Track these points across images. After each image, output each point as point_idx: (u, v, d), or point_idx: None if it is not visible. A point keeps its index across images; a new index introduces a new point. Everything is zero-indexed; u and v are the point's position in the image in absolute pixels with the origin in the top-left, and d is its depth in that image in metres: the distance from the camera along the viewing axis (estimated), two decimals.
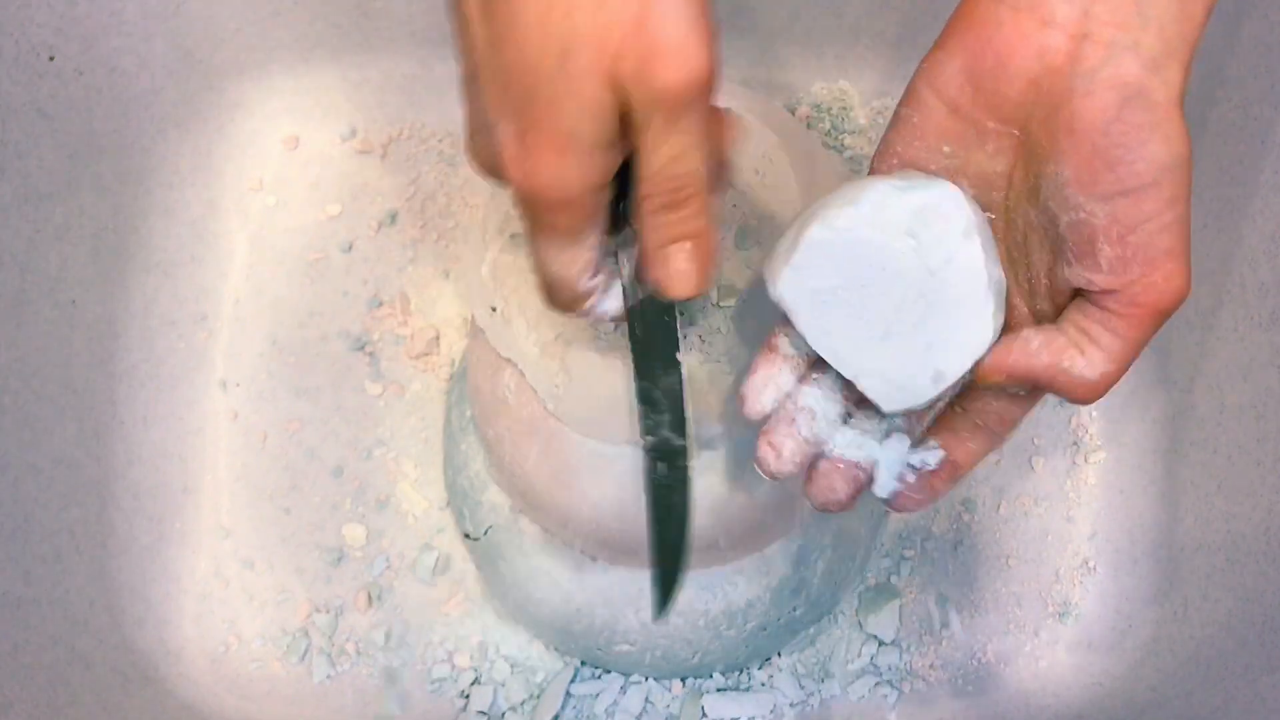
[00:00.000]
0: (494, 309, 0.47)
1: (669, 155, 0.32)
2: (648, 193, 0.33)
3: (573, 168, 0.32)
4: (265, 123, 0.72)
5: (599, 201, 0.33)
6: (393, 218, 0.71)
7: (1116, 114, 0.32)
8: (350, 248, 0.70)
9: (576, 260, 0.35)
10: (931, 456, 0.38)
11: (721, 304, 0.45)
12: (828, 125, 0.71)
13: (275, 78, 0.71)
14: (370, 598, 0.62)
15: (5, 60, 0.56)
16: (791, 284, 0.36)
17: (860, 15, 0.69)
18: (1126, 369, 0.35)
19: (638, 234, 0.34)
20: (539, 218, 0.34)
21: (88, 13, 0.61)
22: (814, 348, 0.37)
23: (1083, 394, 0.35)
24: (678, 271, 0.34)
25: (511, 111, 0.32)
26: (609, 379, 0.45)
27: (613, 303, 0.38)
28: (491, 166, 0.36)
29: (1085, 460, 0.65)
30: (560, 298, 0.37)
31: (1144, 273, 0.33)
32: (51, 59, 0.59)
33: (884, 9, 0.68)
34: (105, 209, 0.63)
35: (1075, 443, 0.65)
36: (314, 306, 0.69)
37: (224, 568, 0.63)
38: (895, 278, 0.35)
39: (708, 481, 0.48)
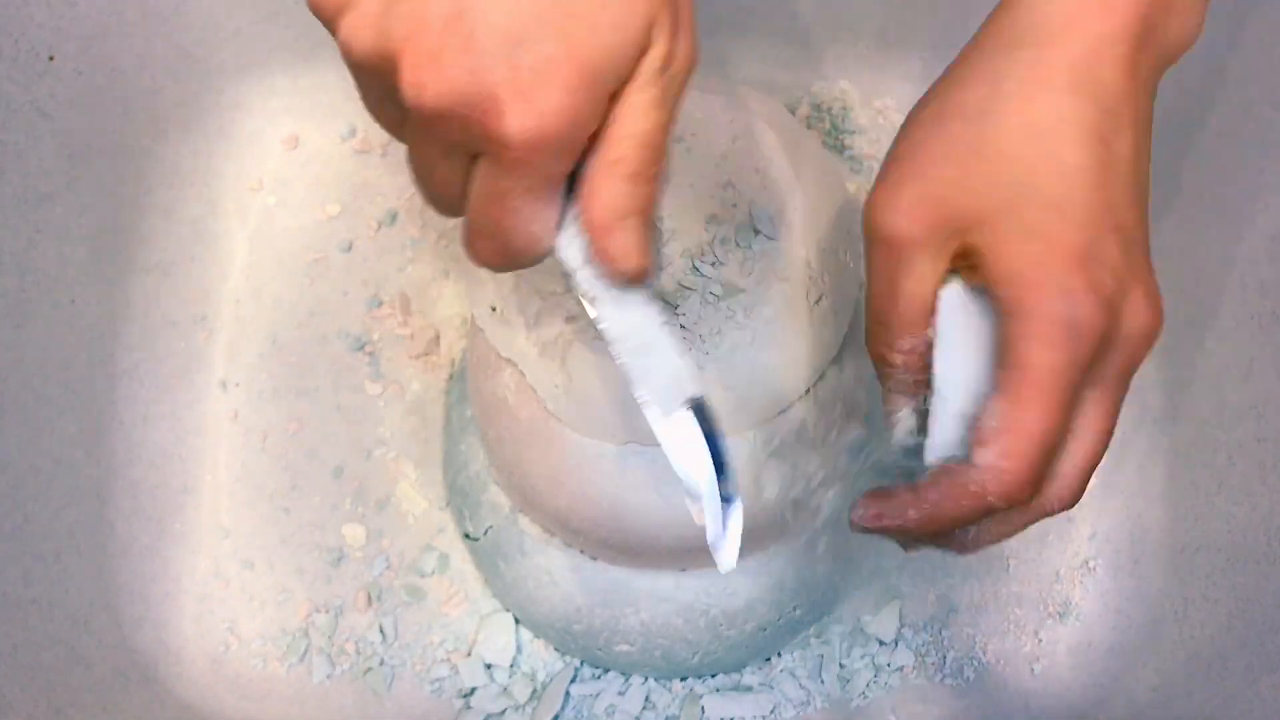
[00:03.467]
0: (494, 309, 0.47)
1: (657, 123, 0.30)
2: (623, 155, 0.30)
3: (589, 103, 0.29)
4: (265, 123, 0.72)
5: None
6: (393, 218, 0.71)
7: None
8: (350, 248, 0.70)
9: (553, 215, 0.32)
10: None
11: (723, 301, 0.45)
12: (828, 125, 0.71)
13: (275, 78, 0.71)
14: (370, 598, 0.62)
15: (5, 60, 0.56)
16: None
17: (860, 15, 0.69)
18: (1050, 438, 0.34)
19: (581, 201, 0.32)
20: (529, 164, 0.29)
21: (88, 13, 0.61)
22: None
23: (1007, 486, 0.34)
24: (634, 246, 0.32)
25: (522, 35, 0.28)
26: (609, 379, 0.45)
27: (570, 255, 0.34)
28: (371, 41, 0.30)
29: None
30: (528, 255, 0.33)
31: (1020, 335, 0.33)
32: (51, 59, 0.59)
33: (884, 9, 0.68)
34: (105, 209, 0.63)
35: None
36: (314, 306, 0.69)
37: (224, 568, 0.63)
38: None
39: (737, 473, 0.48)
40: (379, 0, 0.29)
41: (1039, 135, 0.33)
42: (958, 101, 0.35)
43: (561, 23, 0.28)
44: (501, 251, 0.32)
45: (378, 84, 0.31)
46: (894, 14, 0.68)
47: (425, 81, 0.28)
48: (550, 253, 0.33)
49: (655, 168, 0.31)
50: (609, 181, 0.31)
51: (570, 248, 0.33)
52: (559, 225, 0.32)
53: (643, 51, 0.29)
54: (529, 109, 0.28)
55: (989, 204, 0.33)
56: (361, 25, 0.29)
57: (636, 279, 0.32)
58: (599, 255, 0.32)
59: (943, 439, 0.36)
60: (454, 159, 0.31)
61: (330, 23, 0.31)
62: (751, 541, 0.54)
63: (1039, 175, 0.33)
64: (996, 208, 0.33)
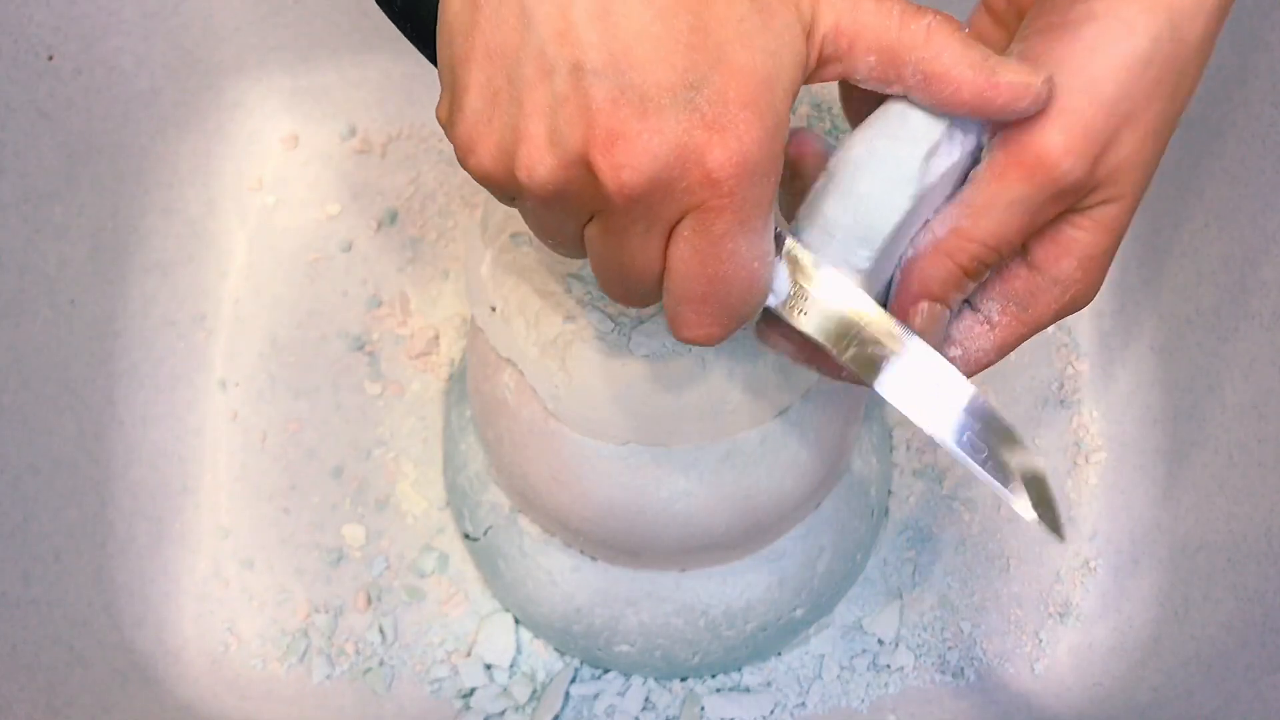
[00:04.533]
0: (494, 309, 0.47)
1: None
2: (913, 32, 0.31)
3: (775, 114, 0.29)
4: (265, 122, 0.72)
5: None
6: (393, 217, 0.71)
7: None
8: (350, 247, 0.70)
9: (769, 247, 0.31)
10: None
11: None
12: (828, 125, 0.71)
13: (275, 77, 0.71)
14: (370, 598, 0.62)
15: (4, 60, 0.56)
16: None
17: None
18: (991, 239, 0.34)
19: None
20: (742, 195, 0.29)
21: (87, 12, 0.61)
22: None
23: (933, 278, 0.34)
24: (1016, 69, 0.32)
25: (691, 77, 0.28)
26: (609, 379, 0.45)
27: (780, 283, 0.34)
28: (555, 160, 0.29)
29: (1085, 460, 0.65)
30: (752, 302, 0.32)
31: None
32: (50, 59, 0.59)
33: None
34: (104, 208, 0.63)
35: (1075, 443, 0.65)
36: (313, 306, 0.69)
37: (223, 568, 0.63)
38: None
39: (733, 478, 0.48)
40: (534, 106, 0.29)
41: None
42: None
43: (718, 53, 0.28)
44: (724, 309, 0.32)
45: (566, 199, 0.30)
46: None
47: (622, 163, 0.28)
48: (766, 296, 0.33)
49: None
50: (930, 51, 0.31)
51: (780, 279, 0.33)
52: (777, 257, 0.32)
53: (806, 43, 0.30)
54: (729, 141, 0.28)
55: None
56: (535, 153, 0.29)
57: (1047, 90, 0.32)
58: (999, 110, 0.32)
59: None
60: (653, 235, 0.31)
61: (503, 177, 0.31)
62: (771, 532, 0.54)
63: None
64: None
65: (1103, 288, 0.67)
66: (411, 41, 0.36)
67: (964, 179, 0.34)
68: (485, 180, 0.31)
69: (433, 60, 0.34)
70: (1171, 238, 0.61)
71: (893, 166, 0.33)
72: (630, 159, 0.28)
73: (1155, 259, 0.63)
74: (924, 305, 0.35)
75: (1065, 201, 0.33)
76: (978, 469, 0.34)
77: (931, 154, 0.33)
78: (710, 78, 0.28)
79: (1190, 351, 0.60)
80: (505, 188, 0.31)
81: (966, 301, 0.37)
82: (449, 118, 0.31)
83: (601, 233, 0.32)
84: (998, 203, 0.33)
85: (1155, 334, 0.63)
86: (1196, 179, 0.59)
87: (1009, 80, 0.31)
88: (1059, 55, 0.32)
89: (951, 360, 0.36)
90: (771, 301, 0.34)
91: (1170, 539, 0.60)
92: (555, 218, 0.32)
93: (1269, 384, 0.54)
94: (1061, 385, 0.66)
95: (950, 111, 0.32)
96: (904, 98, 0.33)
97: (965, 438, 0.35)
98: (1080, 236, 0.34)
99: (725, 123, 0.28)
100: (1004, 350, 0.37)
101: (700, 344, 0.33)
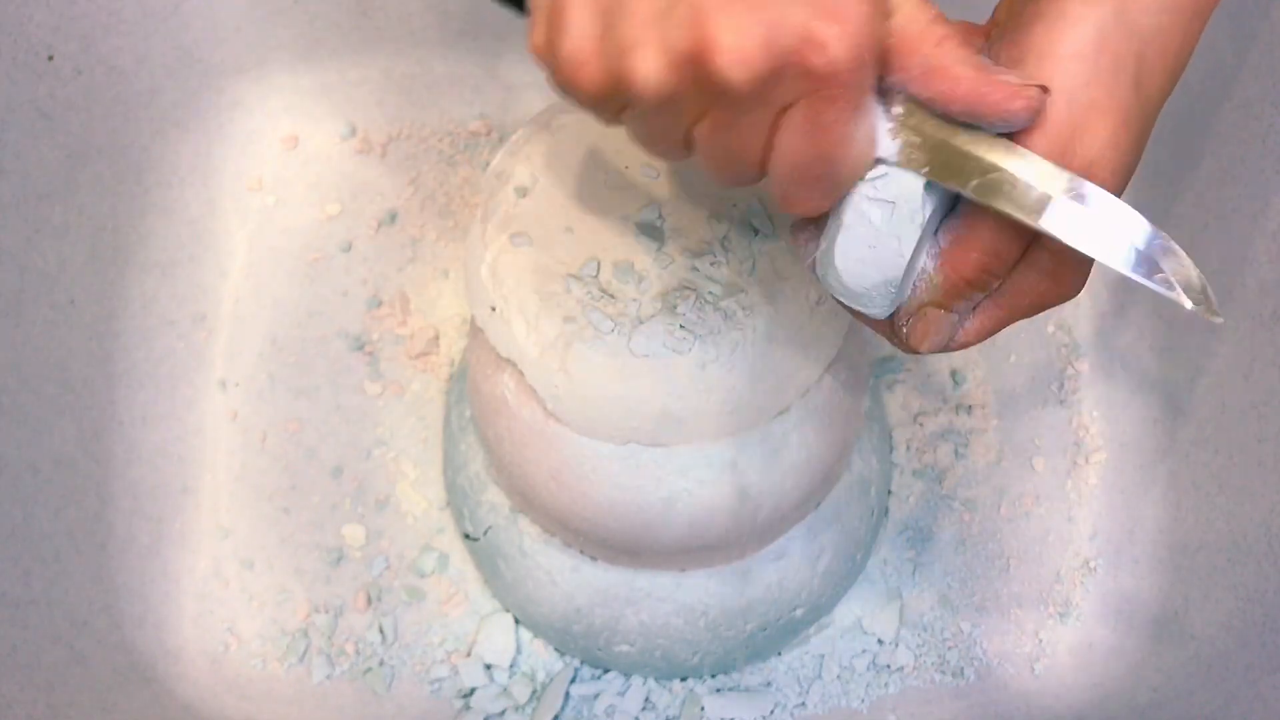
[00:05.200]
0: (494, 309, 0.47)
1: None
2: (928, 25, 0.32)
3: (877, 4, 0.30)
4: (265, 122, 0.72)
5: None
6: (393, 217, 0.71)
7: None
8: (350, 247, 0.70)
9: (873, 127, 0.32)
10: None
11: (723, 301, 0.45)
12: None
13: (275, 77, 0.71)
14: (370, 598, 0.62)
15: (5, 60, 0.56)
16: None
17: None
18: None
19: None
20: (855, 82, 0.30)
21: (87, 12, 0.61)
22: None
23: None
24: (1001, 83, 0.32)
25: None
26: (609, 379, 0.45)
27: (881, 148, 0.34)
28: (668, 65, 0.30)
29: (1085, 460, 0.65)
30: (858, 173, 0.33)
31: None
32: (50, 59, 0.59)
33: None
34: (104, 208, 0.63)
35: (1076, 443, 0.65)
36: (313, 306, 0.69)
37: (223, 568, 0.63)
38: None
39: (733, 478, 0.48)
40: (643, 16, 0.30)
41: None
42: None
43: None
44: (830, 187, 0.33)
45: (679, 101, 0.31)
46: None
47: (737, 58, 0.29)
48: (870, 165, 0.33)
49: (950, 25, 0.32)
50: (939, 52, 0.32)
51: (884, 142, 0.33)
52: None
53: None
54: (845, 29, 0.29)
55: None
56: (650, 57, 0.30)
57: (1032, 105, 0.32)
58: (992, 108, 0.32)
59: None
60: (764, 124, 0.32)
61: (613, 88, 0.32)
62: (773, 531, 0.54)
63: None
64: None
65: (1103, 288, 0.67)
66: None
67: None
68: (594, 97, 0.32)
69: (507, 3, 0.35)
70: (1172, 237, 0.61)
71: (890, 224, 0.34)
72: (742, 46, 0.29)
73: None
74: (928, 311, 0.36)
75: None
76: (1146, 282, 0.34)
77: (923, 205, 0.34)
78: None
79: (1190, 351, 0.60)
80: (615, 99, 0.32)
81: None
82: (549, 42, 0.32)
83: (712, 128, 0.32)
84: (987, 213, 0.33)
85: (1156, 334, 0.63)
86: (1196, 179, 0.59)
87: (1005, 79, 0.32)
88: (1014, 56, 0.33)
89: (932, 341, 0.37)
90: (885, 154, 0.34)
91: (1170, 539, 0.60)
92: (665, 121, 0.33)
93: (1269, 384, 0.54)
94: (1061, 385, 0.66)
95: (945, 108, 0.32)
96: (882, 160, 0.34)
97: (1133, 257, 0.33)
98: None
99: (837, 10, 0.29)
100: (984, 334, 0.37)
101: (808, 215, 0.34)
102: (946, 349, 0.37)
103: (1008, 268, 0.35)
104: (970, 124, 0.33)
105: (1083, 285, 0.36)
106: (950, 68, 0.32)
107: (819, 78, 0.30)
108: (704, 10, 0.29)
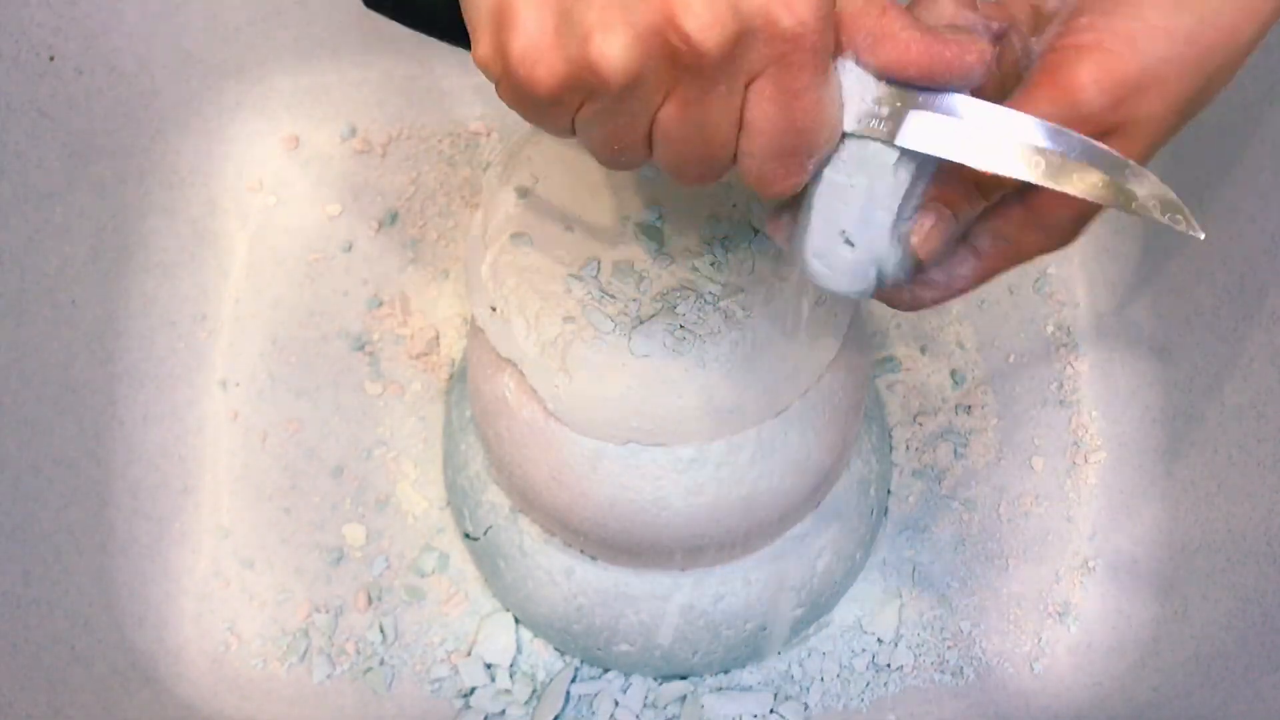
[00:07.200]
0: (494, 309, 0.47)
1: None
2: None
3: None
4: (265, 123, 0.72)
5: None
6: (393, 218, 0.71)
7: None
8: (350, 248, 0.70)
9: (837, 89, 0.32)
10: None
11: (723, 301, 0.45)
12: None
13: (275, 78, 0.71)
14: (370, 598, 0.62)
15: (5, 60, 0.56)
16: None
17: None
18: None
19: None
20: (820, 46, 0.30)
21: (88, 13, 0.61)
22: None
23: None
24: (961, 36, 0.32)
25: None
26: (609, 379, 0.45)
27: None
28: (629, 44, 0.30)
29: (1085, 460, 0.65)
30: (832, 142, 0.33)
31: (1063, 47, 0.33)
32: (51, 59, 0.59)
33: None
34: (105, 209, 0.63)
35: (1075, 443, 0.65)
36: (314, 306, 0.69)
37: (224, 568, 0.63)
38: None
39: (733, 478, 0.48)
40: (615, 9, 0.30)
41: None
42: None
43: None
44: (806, 159, 0.33)
45: (644, 82, 0.31)
46: None
47: (702, 20, 0.29)
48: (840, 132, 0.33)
49: None
50: (885, 20, 0.32)
51: (851, 102, 0.33)
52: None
53: None
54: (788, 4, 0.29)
55: None
56: (613, 38, 0.30)
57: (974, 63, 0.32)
58: (947, 65, 0.32)
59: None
60: (734, 96, 0.31)
61: (573, 81, 0.31)
62: (773, 530, 0.54)
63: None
64: None
65: (1102, 288, 0.67)
66: (410, 24, 0.36)
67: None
68: (552, 93, 0.31)
69: (431, 32, 0.34)
70: (1171, 237, 0.61)
71: (868, 194, 0.34)
72: (716, 15, 0.29)
73: (1155, 259, 0.63)
74: (935, 213, 0.35)
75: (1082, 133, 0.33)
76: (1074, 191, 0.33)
77: (897, 169, 0.34)
78: None
79: (1190, 351, 0.60)
80: (575, 93, 0.31)
81: None
82: (498, 47, 0.32)
83: (680, 108, 0.32)
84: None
85: (1155, 334, 0.63)
86: (1196, 179, 0.59)
87: (955, 37, 0.32)
88: (1109, 6, 0.33)
89: (933, 283, 0.37)
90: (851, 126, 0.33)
91: (1170, 539, 0.60)
92: (628, 111, 0.32)
93: (1268, 384, 0.54)
94: (1061, 385, 0.66)
95: (900, 74, 0.32)
96: (851, 135, 0.33)
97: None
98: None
99: None
100: (984, 279, 0.37)
101: (784, 195, 0.34)
102: (949, 295, 0.38)
103: (964, 218, 0.35)
104: (929, 88, 0.32)
105: (1073, 232, 0.35)
106: (898, 34, 0.32)
107: (787, 39, 0.30)
108: None
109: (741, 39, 0.30)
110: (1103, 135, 0.33)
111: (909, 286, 0.37)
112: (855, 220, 0.34)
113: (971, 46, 0.32)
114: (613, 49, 0.30)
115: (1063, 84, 0.33)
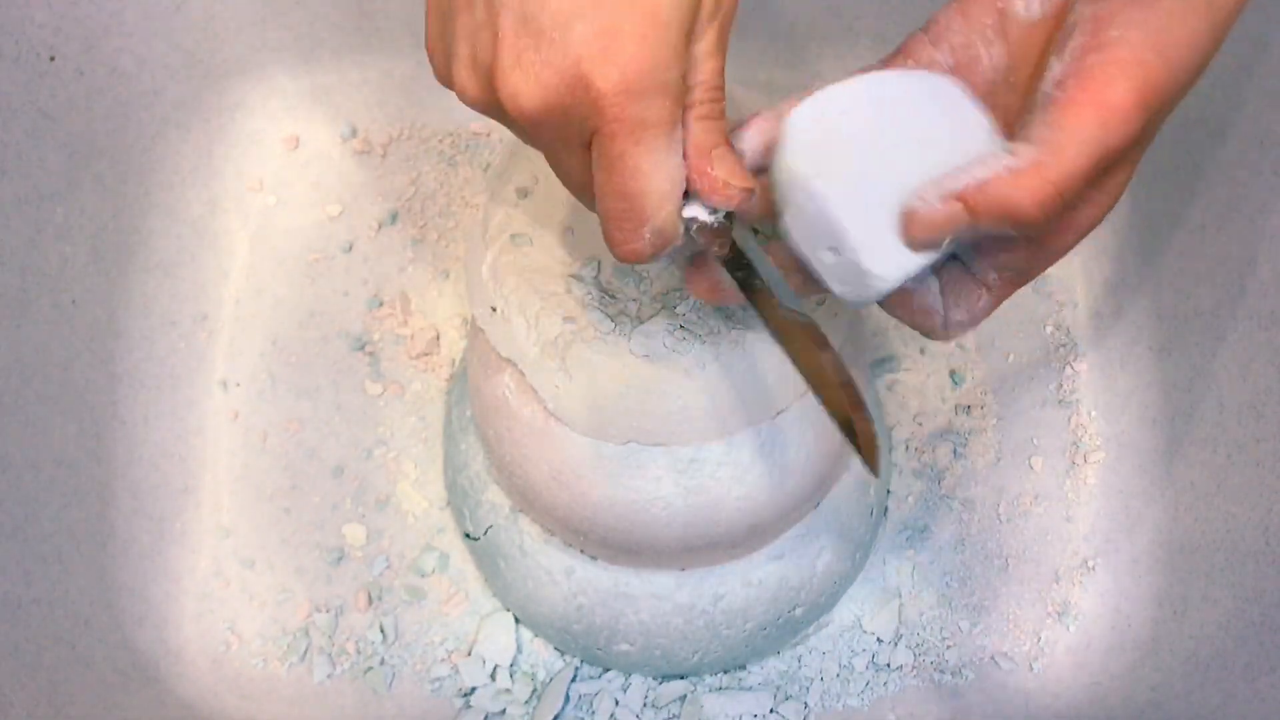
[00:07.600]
0: (494, 309, 0.47)
1: (714, 68, 0.33)
2: (703, 99, 0.33)
3: (665, 47, 0.31)
4: (265, 123, 0.72)
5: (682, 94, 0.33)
6: (393, 218, 0.71)
7: None
8: (350, 248, 0.70)
9: (675, 167, 0.33)
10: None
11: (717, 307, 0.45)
12: None
13: (275, 78, 0.71)
14: (370, 597, 0.62)
15: (5, 60, 0.56)
16: (806, 116, 0.36)
17: (860, 15, 0.69)
18: (1068, 178, 0.32)
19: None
20: (631, 117, 0.31)
21: (88, 13, 0.61)
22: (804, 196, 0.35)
23: (1022, 202, 0.32)
24: (733, 170, 0.34)
25: (588, 11, 0.30)
26: (609, 379, 0.45)
27: (697, 210, 0.35)
28: (477, 81, 0.33)
29: (1085, 460, 0.65)
30: (663, 216, 0.34)
31: (1102, 62, 0.33)
32: (52, 59, 0.59)
33: (883, 9, 0.68)
34: (105, 209, 0.63)
35: (1075, 443, 0.65)
36: (314, 306, 0.69)
37: (224, 567, 0.64)
38: (917, 139, 0.35)
39: (732, 478, 0.48)
40: (460, 30, 0.32)
41: None
42: None
43: None
44: (641, 224, 0.34)
45: (494, 117, 0.34)
46: (893, 14, 0.68)
47: (515, 91, 0.31)
48: (677, 212, 0.35)
49: (720, 105, 0.34)
50: (693, 126, 0.33)
51: (692, 207, 0.35)
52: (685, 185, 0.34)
53: None
54: (610, 65, 0.30)
55: None
56: (463, 73, 0.33)
57: (744, 196, 0.34)
58: (705, 185, 0.34)
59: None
60: (573, 156, 0.33)
61: (444, 77, 0.35)
62: (773, 530, 0.54)
63: None
64: None
65: (1102, 288, 0.67)
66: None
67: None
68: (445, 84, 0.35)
69: None
70: (1170, 238, 0.61)
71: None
72: (524, 87, 0.31)
73: (1154, 259, 0.63)
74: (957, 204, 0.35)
75: (1115, 160, 0.33)
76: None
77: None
78: (601, 8, 0.30)
79: (1189, 351, 0.60)
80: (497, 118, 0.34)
81: (964, 266, 0.37)
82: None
83: (550, 162, 0.35)
84: (1074, 139, 0.33)
85: (1155, 334, 0.63)
86: (1195, 179, 0.59)
87: (713, 173, 0.34)
88: (1135, 16, 0.33)
89: (957, 323, 0.38)
90: (705, 216, 0.35)
91: (1169, 539, 0.60)
92: (541, 148, 0.35)
93: (1267, 384, 0.54)
94: (1061, 385, 0.66)
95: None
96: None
97: None
98: (1087, 211, 0.35)
99: (609, 51, 0.30)
100: (997, 306, 0.39)
101: (631, 261, 0.35)
102: (972, 327, 0.39)
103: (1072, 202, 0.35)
104: None
105: (1069, 239, 0.36)
106: (689, 143, 0.34)
107: (593, 112, 0.31)
108: (498, 39, 0.31)
109: (554, 109, 0.31)
110: (1135, 145, 0.33)
111: (940, 314, 0.38)
112: (823, 232, 0.35)
113: (722, 190, 0.34)
114: (465, 85, 0.33)
115: (1108, 105, 0.32)
